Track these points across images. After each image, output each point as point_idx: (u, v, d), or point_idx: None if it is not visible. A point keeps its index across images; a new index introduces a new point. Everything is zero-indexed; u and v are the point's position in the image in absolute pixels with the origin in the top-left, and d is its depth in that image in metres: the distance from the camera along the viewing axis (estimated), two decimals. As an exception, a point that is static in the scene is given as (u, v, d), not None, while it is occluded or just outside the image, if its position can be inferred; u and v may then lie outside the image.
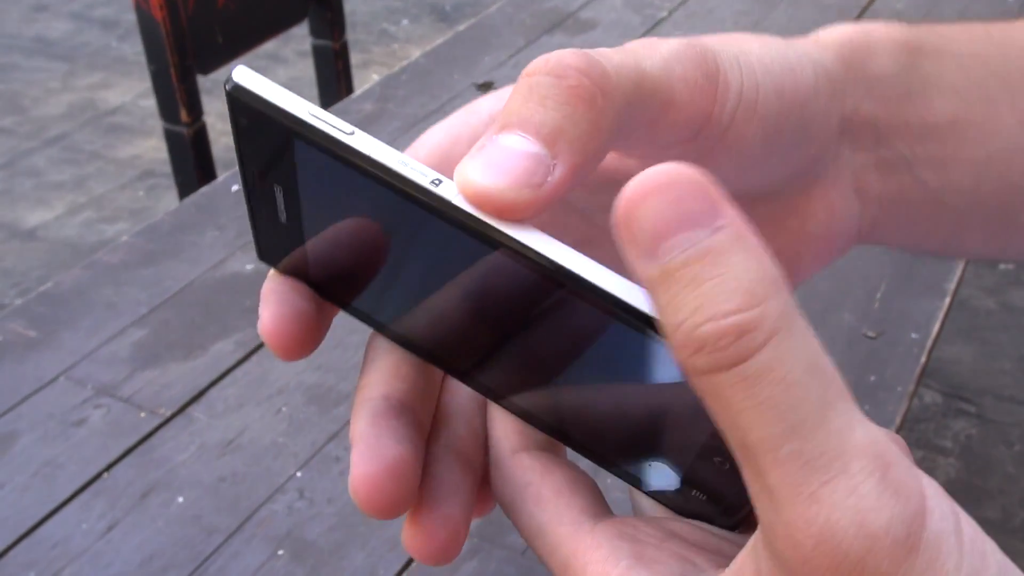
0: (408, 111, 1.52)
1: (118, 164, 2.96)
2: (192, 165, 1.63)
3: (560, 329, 0.23)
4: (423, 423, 0.27)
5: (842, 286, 1.21)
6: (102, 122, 3.17)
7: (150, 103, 3.34)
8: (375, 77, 3.12)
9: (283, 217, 0.26)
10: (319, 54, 1.87)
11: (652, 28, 1.77)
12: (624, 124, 0.23)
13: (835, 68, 0.29)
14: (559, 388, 0.25)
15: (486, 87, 1.57)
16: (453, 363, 0.26)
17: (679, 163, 0.20)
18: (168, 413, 1.02)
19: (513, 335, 0.24)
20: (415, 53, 2.78)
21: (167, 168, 1.75)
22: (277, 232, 0.27)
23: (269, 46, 1.88)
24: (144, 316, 1.15)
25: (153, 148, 2.97)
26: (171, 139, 1.64)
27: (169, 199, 2.72)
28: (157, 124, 1.71)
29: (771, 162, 0.28)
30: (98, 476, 0.96)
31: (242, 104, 0.23)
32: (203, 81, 1.64)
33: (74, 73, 3.42)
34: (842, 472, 0.19)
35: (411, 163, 0.22)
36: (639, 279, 0.21)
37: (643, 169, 0.21)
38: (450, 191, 0.22)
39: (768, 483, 0.19)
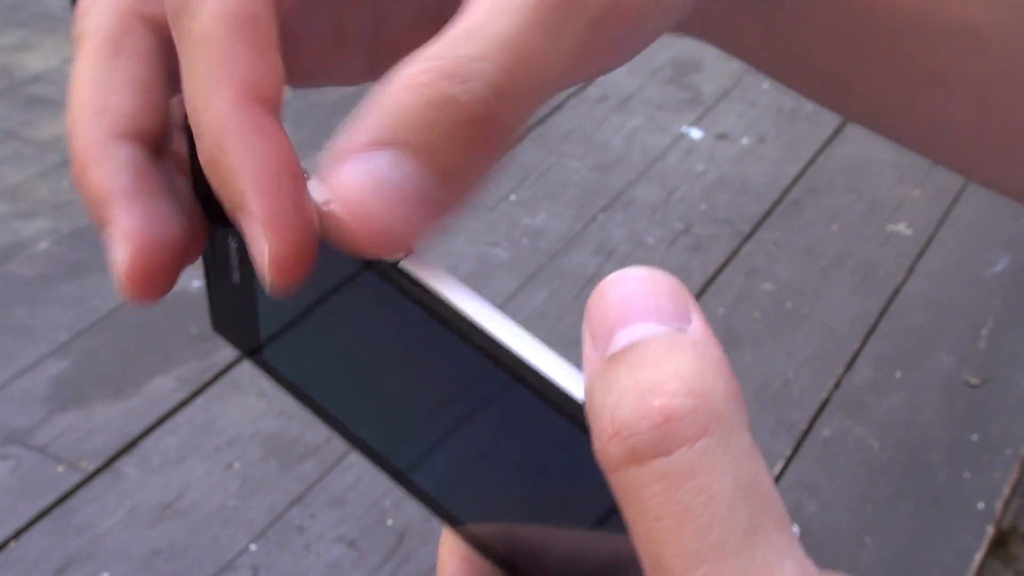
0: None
1: (38, 146, 2.97)
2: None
3: (504, 434, 0.25)
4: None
5: (939, 320, 1.22)
6: (19, 93, 3.19)
7: (80, 69, 3.35)
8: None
9: (235, 277, 0.28)
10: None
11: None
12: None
13: None
14: (507, 507, 0.26)
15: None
16: (393, 468, 0.28)
17: (660, 270, 0.23)
18: (92, 467, 1.03)
19: (462, 441, 0.26)
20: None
21: (98, 154, 1.77)
22: (230, 297, 0.29)
23: None
24: (65, 344, 1.16)
25: (82, 126, 2.99)
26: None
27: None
28: (87, 100, 1.73)
29: None
30: (3, 546, 0.96)
31: None
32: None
33: (-14, 30, 3.45)
34: None
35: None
36: (586, 372, 0.22)
37: None
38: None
39: None
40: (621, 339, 0.22)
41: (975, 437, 1.08)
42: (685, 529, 0.20)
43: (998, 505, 1.01)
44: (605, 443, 0.21)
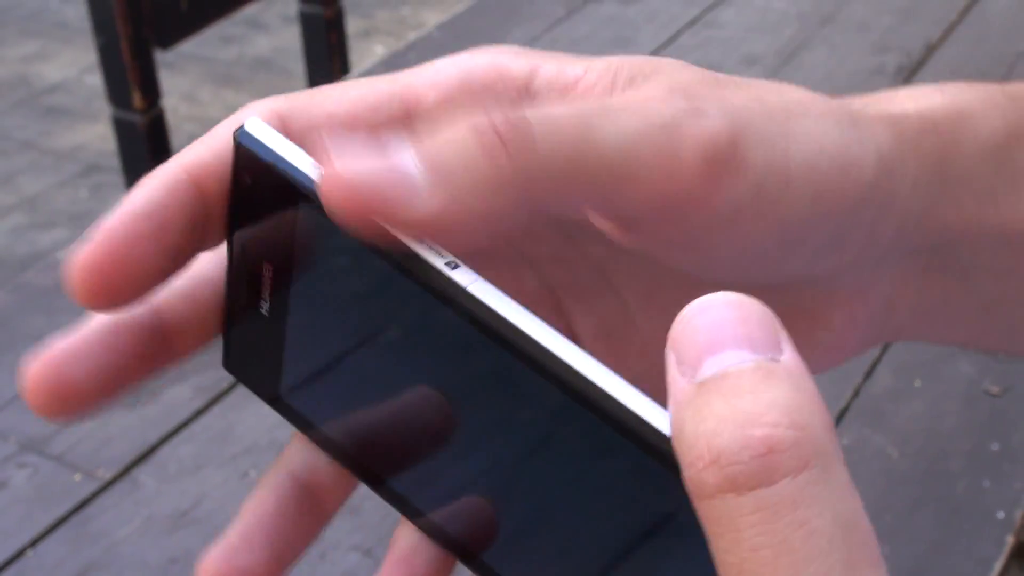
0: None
1: (56, 156, 3.00)
2: (146, 161, 1.66)
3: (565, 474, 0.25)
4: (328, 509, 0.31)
5: (960, 328, 1.22)
6: (37, 103, 3.22)
7: (98, 80, 3.38)
8: (379, 50, 3.15)
9: (265, 308, 0.28)
10: (308, 23, 1.90)
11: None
12: (547, 194, 0.26)
13: (907, 168, 0.29)
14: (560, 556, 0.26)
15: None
16: (429, 522, 0.28)
17: (749, 297, 0.23)
18: (109, 476, 1.05)
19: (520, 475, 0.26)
20: (430, 20, 2.81)
21: (117, 162, 1.79)
22: (254, 330, 0.29)
23: (248, 9, 1.91)
24: (82, 353, 1.17)
25: (100, 137, 3.02)
26: (121, 129, 1.67)
27: (119, 201, 2.75)
28: (106, 107, 1.75)
29: (786, 265, 0.30)
30: (20, 554, 0.98)
31: (249, 158, 0.26)
32: (161, 55, 1.66)
33: (3, 41, 3.48)
34: None
35: (440, 251, 0.24)
36: (672, 400, 0.22)
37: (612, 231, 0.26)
38: (467, 278, 0.24)
39: None
40: (711, 366, 0.22)
41: (996, 446, 1.09)
42: (782, 561, 0.20)
43: (1019, 514, 1.02)
44: (700, 471, 0.21)
